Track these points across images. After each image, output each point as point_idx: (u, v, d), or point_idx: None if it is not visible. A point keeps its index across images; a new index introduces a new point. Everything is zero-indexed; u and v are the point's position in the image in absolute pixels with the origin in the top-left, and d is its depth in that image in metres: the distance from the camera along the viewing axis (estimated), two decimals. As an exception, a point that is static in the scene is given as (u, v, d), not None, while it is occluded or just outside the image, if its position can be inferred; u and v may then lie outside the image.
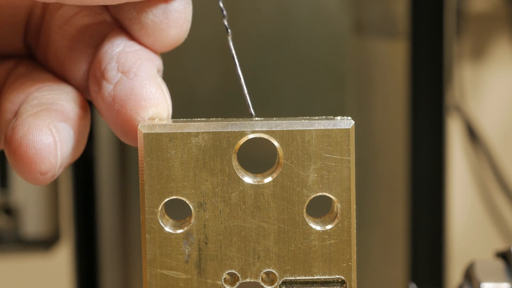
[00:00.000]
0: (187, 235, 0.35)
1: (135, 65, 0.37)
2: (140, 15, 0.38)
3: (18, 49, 0.42)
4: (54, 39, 0.40)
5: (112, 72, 0.37)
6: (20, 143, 0.36)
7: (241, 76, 0.39)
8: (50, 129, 0.37)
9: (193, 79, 0.84)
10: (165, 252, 0.35)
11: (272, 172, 0.35)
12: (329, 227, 0.35)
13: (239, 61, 0.40)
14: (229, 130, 0.35)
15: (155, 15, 0.38)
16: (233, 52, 0.39)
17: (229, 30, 0.39)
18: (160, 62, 0.39)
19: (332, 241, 0.35)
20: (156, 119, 0.37)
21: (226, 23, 0.39)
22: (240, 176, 0.35)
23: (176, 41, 0.39)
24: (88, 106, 0.40)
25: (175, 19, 0.39)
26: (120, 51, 0.38)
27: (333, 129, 0.35)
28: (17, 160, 0.37)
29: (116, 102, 0.37)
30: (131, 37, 0.39)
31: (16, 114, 0.38)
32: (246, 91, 0.39)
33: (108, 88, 0.37)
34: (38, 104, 0.38)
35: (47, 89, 0.39)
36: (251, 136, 0.35)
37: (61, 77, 0.40)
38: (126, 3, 0.38)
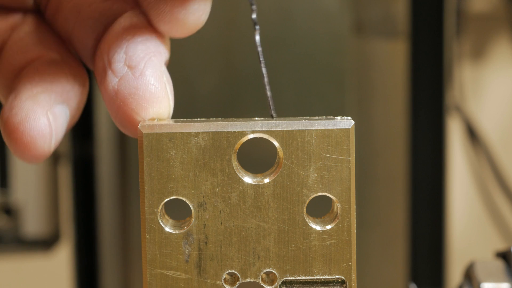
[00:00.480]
0: (187, 235, 0.35)
1: (142, 61, 0.37)
2: (159, 1, 0.38)
3: (27, 2, 0.41)
4: (64, 6, 0.39)
5: (119, 64, 0.37)
6: (16, 128, 0.37)
7: (265, 75, 0.38)
8: (47, 117, 0.37)
9: (193, 79, 0.84)
10: (165, 252, 0.35)
11: (272, 172, 0.35)
12: (329, 227, 0.35)
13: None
14: (229, 130, 0.35)
15: (174, 2, 0.38)
16: (260, 49, 0.39)
17: (257, 26, 0.38)
18: (168, 53, 0.39)
19: (332, 241, 0.35)
20: (156, 119, 0.37)
21: (254, 16, 0.38)
22: (240, 176, 0.35)
23: (194, 29, 0.38)
24: (88, 81, 0.39)
25: (195, 8, 0.38)
26: (130, 40, 0.37)
27: (333, 129, 0.35)
28: (12, 142, 0.37)
29: (118, 97, 0.37)
30: (146, 20, 0.38)
31: (15, 89, 0.38)
32: (269, 92, 0.38)
33: (113, 80, 0.37)
34: (39, 82, 0.38)
35: (49, 60, 0.39)
36: (251, 136, 0.35)
37: (66, 42, 0.40)
38: None
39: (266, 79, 0.38)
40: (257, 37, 0.38)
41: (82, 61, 0.40)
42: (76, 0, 0.39)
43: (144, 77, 0.37)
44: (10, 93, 0.38)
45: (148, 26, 0.38)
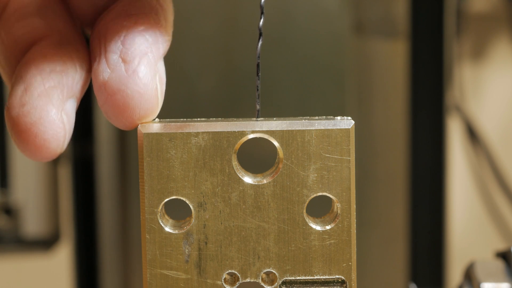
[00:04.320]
0: (187, 235, 0.35)
1: (137, 58, 0.36)
2: None
3: None
4: None
5: (114, 56, 0.37)
6: (29, 130, 0.36)
7: (259, 79, 0.38)
8: (62, 119, 0.36)
9: (193, 79, 0.84)
10: (165, 252, 0.35)
11: (272, 172, 0.35)
12: (329, 227, 0.35)
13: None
14: (229, 130, 0.35)
15: None
16: (259, 61, 0.38)
17: (261, 36, 0.38)
18: (168, 43, 0.38)
19: (332, 241, 0.35)
20: (156, 119, 0.37)
21: (261, 25, 0.38)
22: (240, 176, 0.35)
23: None
24: (90, 64, 0.39)
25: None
26: (129, 28, 0.37)
27: (333, 129, 0.35)
28: (22, 143, 0.36)
29: (106, 90, 0.36)
30: (150, 5, 0.38)
31: (23, 79, 0.37)
32: (258, 91, 0.38)
33: (104, 71, 0.36)
34: (50, 74, 0.37)
35: (56, 43, 0.38)
36: (251, 136, 0.35)
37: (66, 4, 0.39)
38: None
39: (259, 82, 0.38)
40: (259, 45, 0.38)
41: (82, 25, 0.40)
42: None
43: (136, 76, 0.36)
44: (17, 79, 0.37)
45: (150, 13, 0.38)
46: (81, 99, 0.39)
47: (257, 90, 0.37)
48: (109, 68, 0.36)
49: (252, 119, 0.36)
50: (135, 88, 0.36)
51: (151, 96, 0.36)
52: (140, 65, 0.36)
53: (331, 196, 0.35)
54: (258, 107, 0.37)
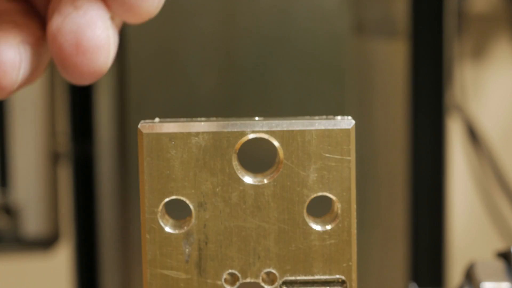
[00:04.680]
0: (187, 235, 0.35)
1: (88, 4, 0.37)
2: None
3: None
4: None
5: (66, 6, 0.37)
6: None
7: None
8: (18, 48, 0.37)
9: (193, 78, 0.84)
10: (165, 252, 0.35)
11: (272, 172, 0.35)
12: (329, 227, 0.35)
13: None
14: (229, 130, 0.35)
15: None
16: None
17: None
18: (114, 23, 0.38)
19: (332, 241, 0.35)
20: (156, 118, 0.37)
21: None
22: (240, 176, 0.35)
23: (146, 17, 0.38)
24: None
25: None
26: None
27: (334, 129, 0.35)
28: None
29: (60, 34, 0.36)
30: None
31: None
32: None
33: (57, 19, 0.37)
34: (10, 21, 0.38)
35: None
36: (251, 136, 0.35)
37: None
38: None
39: None
40: None
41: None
42: None
43: (88, 16, 0.36)
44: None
45: None
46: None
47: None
48: (62, 15, 0.36)
49: (252, 119, 0.36)
50: (88, 27, 0.36)
51: (103, 39, 0.36)
52: (91, 9, 0.36)
53: (331, 196, 0.35)
54: None
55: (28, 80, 0.38)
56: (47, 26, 0.38)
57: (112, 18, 0.37)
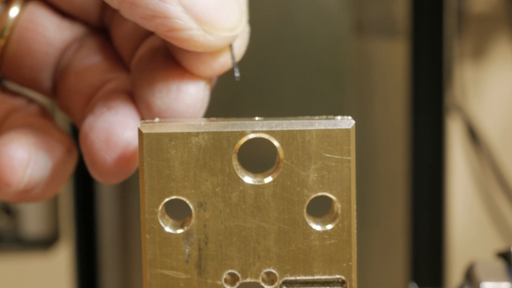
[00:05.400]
0: (187, 235, 0.35)
1: (119, 106, 0.38)
2: (151, 93, 0.38)
3: (91, 14, 0.42)
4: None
5: (99, 107, 0.38)
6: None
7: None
8: (29, 148, 0.38)
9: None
10: (165, 252, 0.35)
11: (272, 172, 0.35)
12: (329, 227, 0.35)
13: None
14: (229, 130, 0.35)
15: (165, 96, 0.38)
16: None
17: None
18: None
19: (332, 241, 0.35)
20: (156, 118, 0.37)
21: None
22: (240, 176, 0.35)
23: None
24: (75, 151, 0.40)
25: (188, 103, 0.38)
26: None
27: (334, 129, 0.35)
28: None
29: (91, 132, 0.37)
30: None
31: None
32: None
33: (90, 118, 0.38)
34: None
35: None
36: (251, 136, 0.35)
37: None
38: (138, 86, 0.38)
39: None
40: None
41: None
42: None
43: (119, 115, 0.37)
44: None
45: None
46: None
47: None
48: (94, 115, 0.39)
49: (252, 119, 0.36)
50: (118, 131, 0.38)
51: (131, 142, 0.38)
52: (123, 111, 0.38)
53: (331, 196, 0.35)
54: (236, 73, 0.38)
55: (45, 188, 0.39)
56: (80, 128, 0.38)
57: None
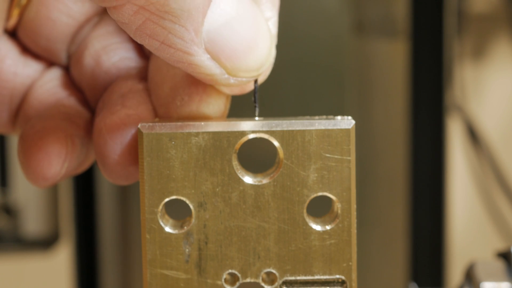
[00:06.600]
0: (187, 235, 0.35)
1: (136, 104, 0.38)
2: (171, 97, 0.37)
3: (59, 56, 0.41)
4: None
5: (115, 103, 0.38)
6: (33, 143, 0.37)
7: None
8: (66, 141, 0.37)
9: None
10: (165, 252, 0.35)
11: (272, 172, 0.35)
12: (329, 227, 0.35)
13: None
14: (229, 130, 0.35)
15: (186, 105, 0.37)
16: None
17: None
18: None
19: (332, 241, 0.35)
20: (156, 118, 0.37)
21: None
22: (240, 176, 0.35)
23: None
24: None
25: (209, 114, 0.37)
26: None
27: (334, 129, 0.35)
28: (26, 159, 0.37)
29: (106, 130, 0.37)
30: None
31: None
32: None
33: (105, 115, 0.38)
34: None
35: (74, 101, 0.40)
36: (251, 136, 0.35)
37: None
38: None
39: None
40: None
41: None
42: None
43: (134, 113, 0.37)
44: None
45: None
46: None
47: (255, 90, 0.37)
48: (110, 113, 0.38)
49: (252, 119, 0.36)
50: (133, 131, 0.37)
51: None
52: (139, 109, 0.38)
53: (331, 196, 0.35)
54: (257, 109, 0.37)
55: (73, 171, 0.39)
56: (94, 121, 0.38)
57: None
